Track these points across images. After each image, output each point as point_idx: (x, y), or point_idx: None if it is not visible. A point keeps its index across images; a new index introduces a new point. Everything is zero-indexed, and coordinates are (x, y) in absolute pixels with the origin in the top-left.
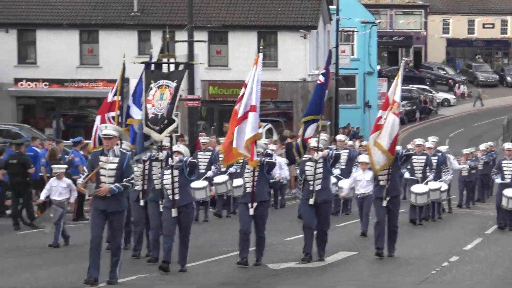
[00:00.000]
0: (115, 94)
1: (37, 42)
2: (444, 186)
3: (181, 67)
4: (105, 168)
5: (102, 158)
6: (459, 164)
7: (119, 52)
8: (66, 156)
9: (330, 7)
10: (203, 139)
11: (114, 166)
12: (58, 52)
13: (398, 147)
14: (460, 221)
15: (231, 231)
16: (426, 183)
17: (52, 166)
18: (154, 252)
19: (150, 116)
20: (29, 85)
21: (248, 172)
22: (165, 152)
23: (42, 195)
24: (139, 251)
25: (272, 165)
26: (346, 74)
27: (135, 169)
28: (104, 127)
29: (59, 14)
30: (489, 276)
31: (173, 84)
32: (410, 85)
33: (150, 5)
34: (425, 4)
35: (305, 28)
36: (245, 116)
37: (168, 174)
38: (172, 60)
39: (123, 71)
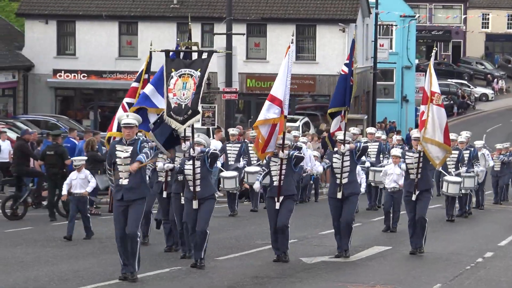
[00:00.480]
0: (136, 81)
1: (77, 34)
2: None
3: (204, 55)
4: (120, 157)
5: (118, 146)
6: (492, 159)
7: (158, 44)
8: (103, 147)
9: (369, 0)
10: (232, 130)
11: (128, 154)
12: (97, 44)
13: None
14: (495, 217)
15: (265, 224)
16: (458, 175)
17: (73, 158)
18: (183, 247)
19: (173, 106)
20: (67, 76)
21: (275, 165)
22: (188, 143)
23: (64, 190)
24: (170, 245)
25: (299, 159)
26: (384, 68)
27: (159, 160)
28: (125, 116)
29: (98, 6)
30: None
31: (197, 73)
32: (448, 80)
33: None
34: None
35: (344, 21)
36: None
37: (189, 165)
38: (194, 48)
39: (148, 59)
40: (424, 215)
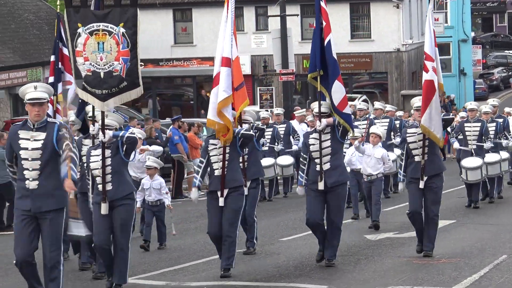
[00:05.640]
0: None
1: None
2: (505, 155)
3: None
4: (26, 149)
5: (22, 133)
6: None
7: (212, 29)
8: (163, 135)
9: None
10: (276, 110)
11: (39, 144)
12: (152, 32)
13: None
14: None
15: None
16: (481, 149)
17: None
18: (99, 266)
19: (84, 74)
20: None
21: (215, 148)
22: (97, 125)
23: None
24: (85, 262)
25: (247, 138)
26: (440, 42)
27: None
28: (32, 88)
29: None
30: None
31: (120, 30)
32: (506, 51)
33: None
34: None
35: None
36: (218, 75)
37: (97, 155)
38: None
39: (56, 24)
40: (437, 213)
